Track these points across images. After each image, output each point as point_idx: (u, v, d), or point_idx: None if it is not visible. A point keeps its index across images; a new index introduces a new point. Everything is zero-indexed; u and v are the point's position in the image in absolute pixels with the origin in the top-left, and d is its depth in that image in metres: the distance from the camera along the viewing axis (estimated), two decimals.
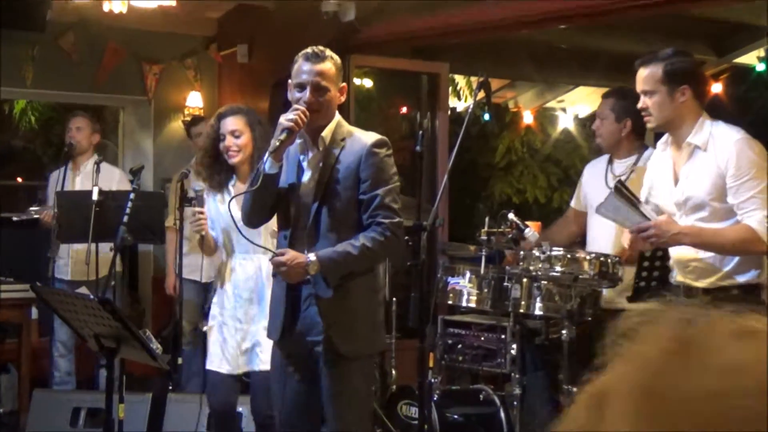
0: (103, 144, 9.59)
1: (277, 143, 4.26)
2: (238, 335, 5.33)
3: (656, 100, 4.59)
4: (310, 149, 4.43)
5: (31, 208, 7.63)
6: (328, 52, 4.38)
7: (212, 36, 9.58)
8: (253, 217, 4.58)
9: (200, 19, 9.44)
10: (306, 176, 4.42)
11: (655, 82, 4.58)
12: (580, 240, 6.08)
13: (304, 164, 4.44)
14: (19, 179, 13.28)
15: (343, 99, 4.47)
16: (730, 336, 0.90)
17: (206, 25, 9.55)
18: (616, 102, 5.80)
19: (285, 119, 4.26)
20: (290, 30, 8.41)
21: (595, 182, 5.89)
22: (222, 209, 5.41)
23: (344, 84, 4.47)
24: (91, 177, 7.14)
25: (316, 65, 4.32)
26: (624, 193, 4.58)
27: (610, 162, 5.86)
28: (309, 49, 4.37)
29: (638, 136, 5.80)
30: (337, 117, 4.45)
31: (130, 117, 9.79)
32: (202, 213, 5.38)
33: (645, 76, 4.62)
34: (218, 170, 5.41)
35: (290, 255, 4.30)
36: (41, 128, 13.43)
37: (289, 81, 4.41)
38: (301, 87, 4.34)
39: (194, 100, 9.45)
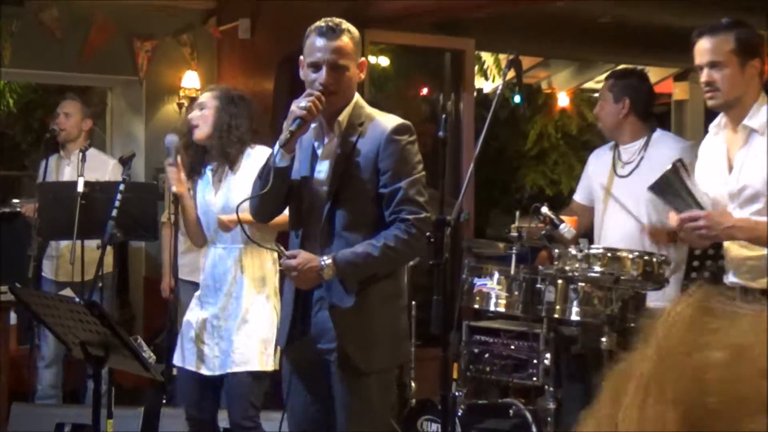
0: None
1: (288, 134, 4.21)
2: (216, 333, 5.38)
3: (727, 72, 4.49)
4: (326, 134, 4.40)
5: (15, 200, 7.65)
6: (345, 24, 4.32)
7: (211, 9, 9.60)
8: (264, 212, 4.57)
9: None
10: (321, 166, 4.39)
11: (727, 53, 4.49)
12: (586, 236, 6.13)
13: (319, 152, 4.41)
14: None
15: (362, 76, 4.42)
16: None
17: None
18: (615, 82, 5.93)
19: (297, 107, 4.20)
20: (297, 2, 8.41)
21: (602, 172, 5.94)
22: (199, 197, 5.48)
23: (363, 59, 4.42)
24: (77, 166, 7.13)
25: (331, 41, 4.26)
26: (681, 174, 4.52)
27: (616, 148, 5.92)
28: (322, 23, 4.31)
29: (640, 117, 5.87)
30: (356, 98, 4.40)
31: (119, 99, 9.82)
32: (171, 165, 5.43)
33: (712, 46, 4.51)
34: (193, 156, 5.47)
35: (302, 258, 4.25)
36: (21, 112, 13.45)
37: (301, 58, 4.37)
38: (316, 67, 4.27)
39: (190, 81, 9.46)
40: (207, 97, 5.47)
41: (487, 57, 12.21)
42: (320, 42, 4.27)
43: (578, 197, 6.18)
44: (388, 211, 4.27)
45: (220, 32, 9.51)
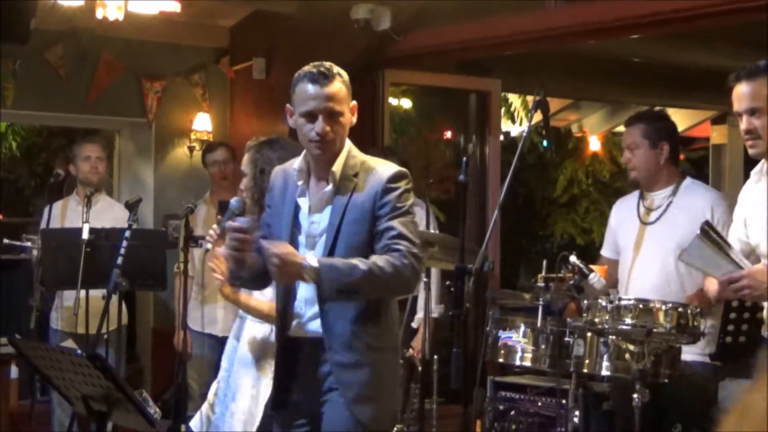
0: None
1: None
2: (215, 403, 5.38)
3: None
4: (317, 186, 4.41)
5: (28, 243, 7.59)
6: (335, 68, 4.35)
7: (224, 48, 9.66)
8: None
9: (210, 28, 9.52)
10: (314, 218, 4.40)
11: (767, 98, 4.40)
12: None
13: (307, 205, 4.42)
14: None
15: (354, 120, 4.44)
16: None
17: (217, 35, 9.63)
18: (648, 126, 5.90)
19: (228, 252, 4.31)
20: (315, 41, 8.46)
21: (627, 221, 5.98)
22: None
23: (354, 102, 4.43)
24: (102, 213, 7.16)
25: (324, 87, 4.28)
26: (711, 237, 4.46)
27: (642, 197, 5.95)
28: (312, 68, 4.33)
29: (675, 163, 5.93)
30: (348, 145, 4.41)
31: (127, 142, 9.86)
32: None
33: (751, 91, 4.43)
34: None
35: (285, 247, 4.21)
36: (24, 155, 13.53)
37: (288, 106, 4.39)
38: (311, 116, 4.29)
39: (202, 123, 9.50)
40: (244, 163, 5.30)
41: (514, 99, 12.25)
42: (313, 89, 4.28)
43: (605, 252, 6.19)
44: (380, 245, 4.26)
45: (233, 72, 9.55)
